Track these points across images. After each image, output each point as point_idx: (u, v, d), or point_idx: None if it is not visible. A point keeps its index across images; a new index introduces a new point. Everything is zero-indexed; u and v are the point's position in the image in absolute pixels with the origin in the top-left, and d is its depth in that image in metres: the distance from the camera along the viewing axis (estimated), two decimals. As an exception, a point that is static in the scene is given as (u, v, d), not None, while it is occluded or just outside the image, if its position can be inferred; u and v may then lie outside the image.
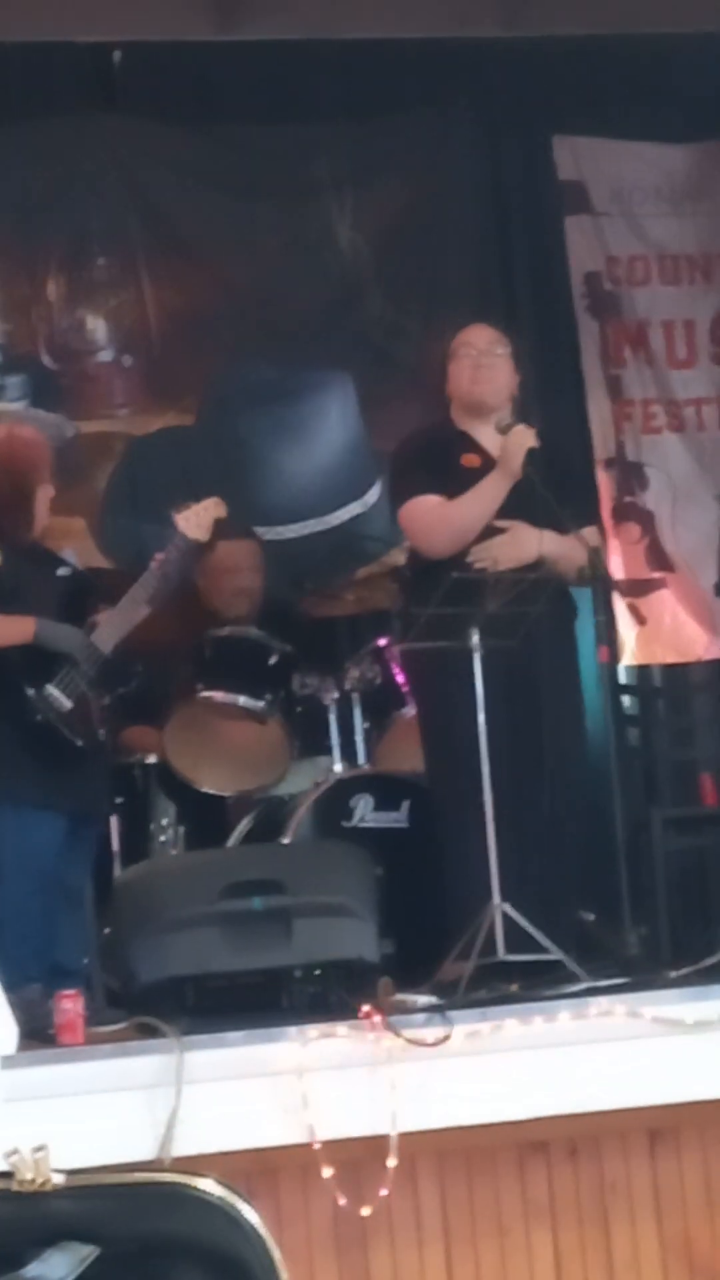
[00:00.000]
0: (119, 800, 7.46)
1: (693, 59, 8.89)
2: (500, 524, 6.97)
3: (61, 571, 7.31)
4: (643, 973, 6.72)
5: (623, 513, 8.78)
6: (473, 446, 7.12)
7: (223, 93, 8.95)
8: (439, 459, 7.16)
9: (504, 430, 7.00)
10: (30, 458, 7.30)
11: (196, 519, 7.21)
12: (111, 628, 7.02)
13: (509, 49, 8.78)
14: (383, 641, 7.58)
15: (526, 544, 6.95)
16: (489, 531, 6.99)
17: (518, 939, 6.52)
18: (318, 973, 6.22)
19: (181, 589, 7.44)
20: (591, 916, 7.30)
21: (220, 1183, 1.51)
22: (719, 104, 9.07)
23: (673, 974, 6.65)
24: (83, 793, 7.05)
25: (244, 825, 7.39)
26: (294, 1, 8.20)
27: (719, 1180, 6.08)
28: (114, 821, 7.39)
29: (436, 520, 7.03)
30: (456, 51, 8.83)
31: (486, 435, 7.09)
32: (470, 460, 7.07)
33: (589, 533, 7.20)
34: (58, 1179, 1.50)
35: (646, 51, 8.77)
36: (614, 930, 7.19)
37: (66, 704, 6.81)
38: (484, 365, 7.19)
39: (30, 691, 6.80)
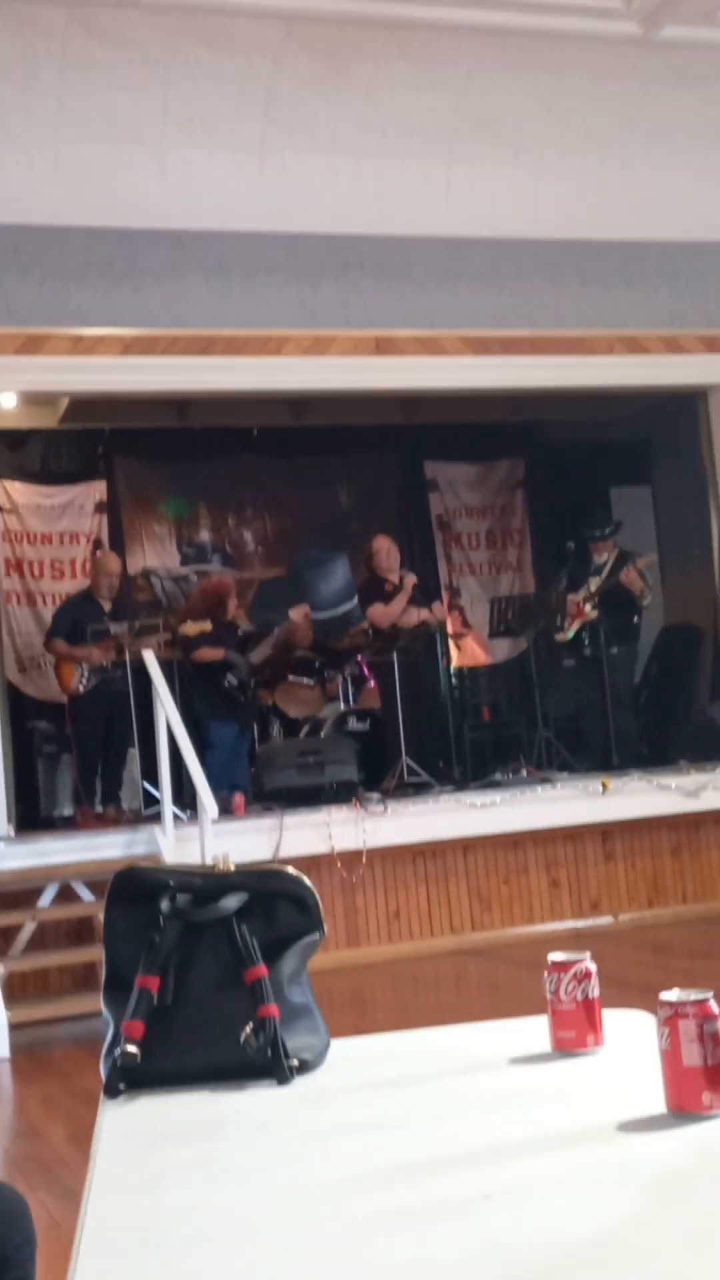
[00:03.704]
0: (257, 719, 7.39)
1: (481, 430, 8.86)
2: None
3: (240, 632, 7.29)
4: (460, 784, 6.68)
5: (452, 607, 8.77)
6: (388, 581, 7.01)
7: (296, 448, 8.83)
8: (376, 589, 7.07)
9: (402, 578, 6.97)
10: (228, 587, 7.30)
11: (300, 613, 7.30)
12: (258, 653, 7.05)
13: (408, 428, 8.73)
14: (359, 657, 7.47)
15: (413, 615, 6.90)
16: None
17: (413, 772, 6.51)
18: (335, 785, 6.19)
19: (285, 641, 7.42)
20: (441, 763, 7.28)
21: (295, 870, 1.51)
22: (488, 448, 9.07)
23: (471, 785, 6.59)
24: (244, 717, 7.02)
25: (305, 730, 7.33)
26: (323, 408, 8.20)
27: (489, 867, 6.04)
28: (255, 728, 7.32)
29: (382, 617, 6.92)
30: (385, 429, 8.70)
31: (393, 577, 7.01)
32: (389, 587, 6.98)
33: (438, 610, 7.25)
34: (232, 867, 1.49)
35: (461, 427, 8.72)
36: (449, 767, 7.21)
37: (236, 683, 6.82)
38: (390, 554, 7.12)
39: (222, 678, 6.80)
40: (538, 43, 6.31)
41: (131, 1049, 1.37)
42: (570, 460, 8.85)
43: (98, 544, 8.02)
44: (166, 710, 5.63)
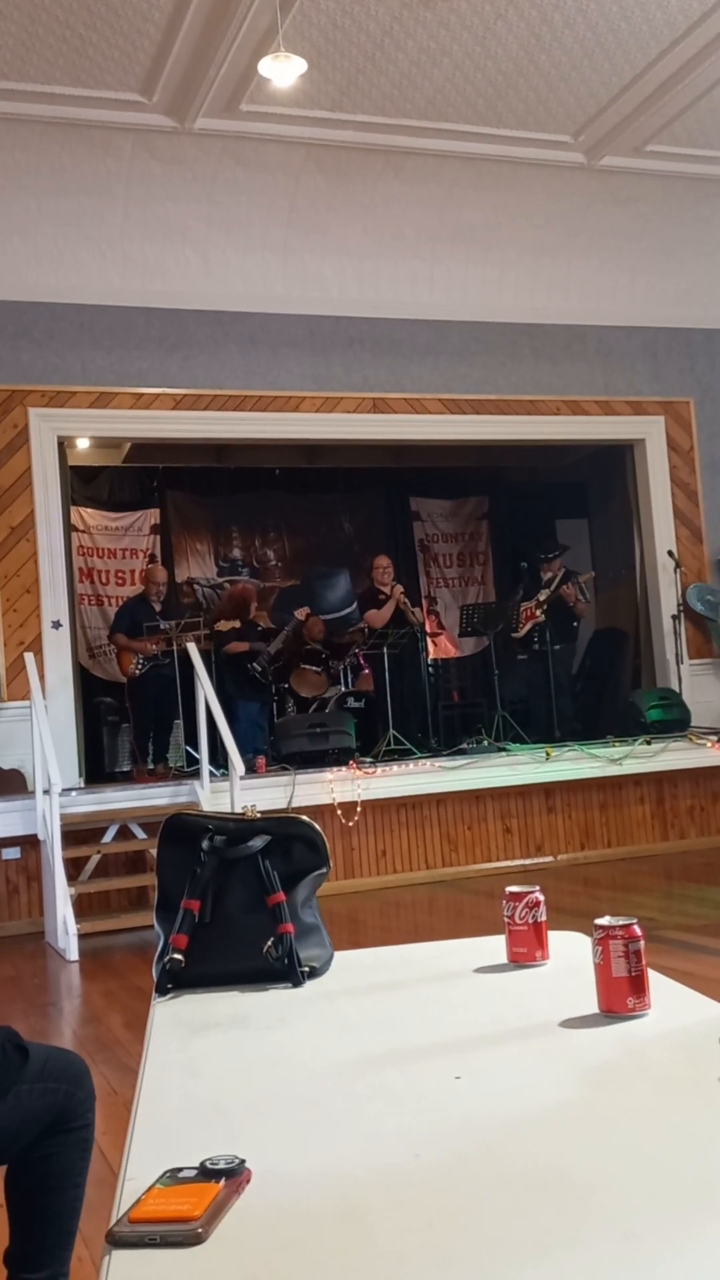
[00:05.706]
0: (275, 698, 7.29)
1: (455, 473, 8.76)
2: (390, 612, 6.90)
3: (259, 629, 7.18)
4: (435, 751, 6.57)
5: (430, 611, 8.67)
6: (381, 591, 6.94)
7: (309, 485, 8.73)
8: (372, 598, 7.00)
9: (392, 589, 6.91)
10: (250, 593, 7.20)
11: (305, 614, 7.19)
12: (275, 646, 6.95)
13: (397, 470, 8.60)
14: (357, 650, 7.37)
15: (401, 620, 6.83)
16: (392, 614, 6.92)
17: (398, 741, 6.43)
18: (337, 750, 6.10)
19: (295, 636, 7.31)
20: (420, 734, 7.15)
21: (308, 818, 1.50)
22: (459, 487, 8.96)
23: (443, 752, 6.51)
24: (265, 696, 6.92)
25: (313, 707, 7.21)
26: (331, 454, 8.12)
27: (457, 816, 5.95)
28: (274, 705, 7.22)
29: (375, 619, 6.83)
30: (379, 471, 8.58)
31: (385, 588, 6.93)
32: (382, 595, 6.93)
33: (417, 613, 7.16)
34: (257, 815, 1.49)
35: (439, 471, 8.63)
36: (426, 738, 7.12)
37: (259, 669, 6.77)
38: (387, 570, 7.05)
39: (249, 665, 6.74)
40: (503, 168, 6.30)
41: (178, 956, 1.37)
42: (524, 498, 8.82)
43: (151, 558, 7.98)
44: (204, 690, 5.61)
